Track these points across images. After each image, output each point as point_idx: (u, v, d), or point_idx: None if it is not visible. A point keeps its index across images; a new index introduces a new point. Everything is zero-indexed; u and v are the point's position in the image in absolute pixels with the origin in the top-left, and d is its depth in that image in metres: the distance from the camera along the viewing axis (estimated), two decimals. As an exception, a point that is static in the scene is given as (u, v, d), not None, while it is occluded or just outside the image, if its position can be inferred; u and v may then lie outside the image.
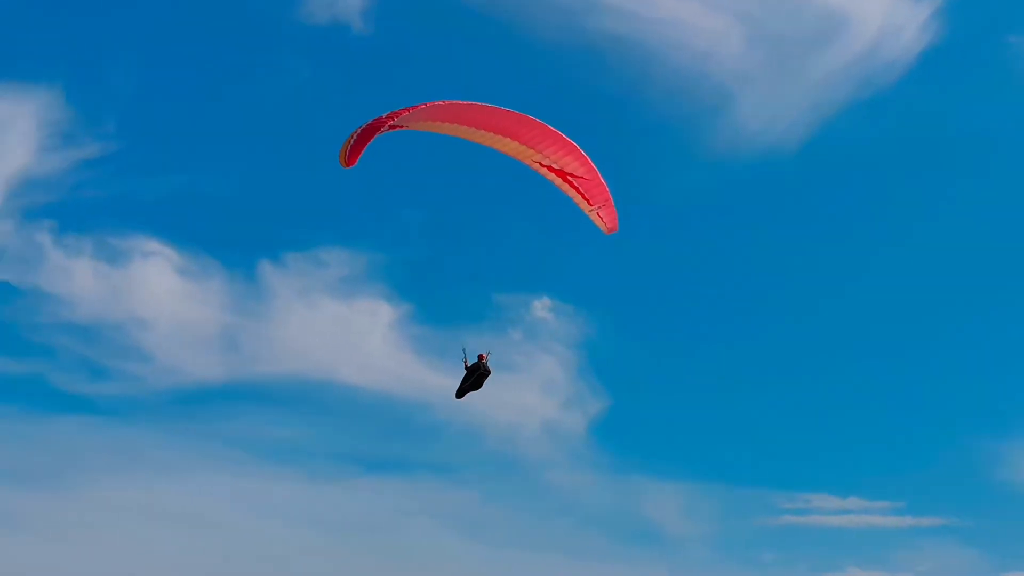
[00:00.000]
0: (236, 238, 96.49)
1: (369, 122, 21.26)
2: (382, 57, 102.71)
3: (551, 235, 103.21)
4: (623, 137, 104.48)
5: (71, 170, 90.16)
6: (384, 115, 21.31)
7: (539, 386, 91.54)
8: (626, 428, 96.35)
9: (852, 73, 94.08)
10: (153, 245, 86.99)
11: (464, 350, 24.74)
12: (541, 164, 22.26)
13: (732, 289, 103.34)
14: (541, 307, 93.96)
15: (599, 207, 22.82)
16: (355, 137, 21.21)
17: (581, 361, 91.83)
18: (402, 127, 21.47)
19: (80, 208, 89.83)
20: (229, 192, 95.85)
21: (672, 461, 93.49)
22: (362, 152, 21.06)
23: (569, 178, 22.08)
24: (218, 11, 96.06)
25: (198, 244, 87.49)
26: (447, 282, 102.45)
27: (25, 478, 79.78)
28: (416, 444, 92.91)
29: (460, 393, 25.92)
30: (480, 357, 24.96)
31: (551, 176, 22.40)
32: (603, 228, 23.54)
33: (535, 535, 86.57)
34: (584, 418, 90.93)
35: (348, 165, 21.20)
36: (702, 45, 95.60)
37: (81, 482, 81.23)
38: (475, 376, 25.38)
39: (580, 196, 22.68)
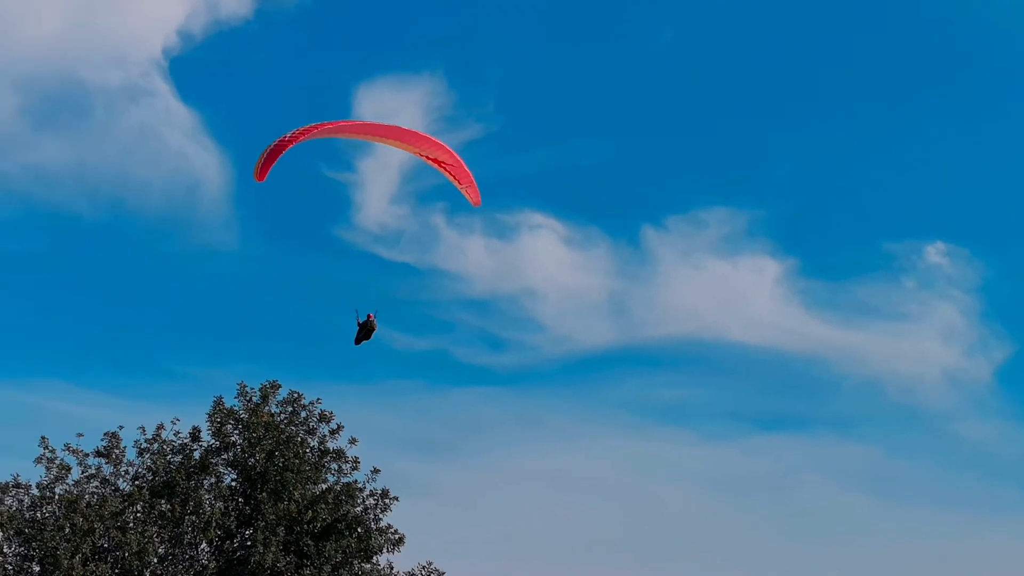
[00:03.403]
0: (617, 205, 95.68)
1: (278, 140, 26.24)
2: (743, 12, 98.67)
3: (939, 177, 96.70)
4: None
5: (457, 151, 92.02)
6: (289, 134, 26.25)
7: (938, 334, 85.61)
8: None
9: None
10: (539, 218, 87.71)
11: (356, 311, 29.47)
12: (421, 155, 28.24)
13: None
14: (934, 252, 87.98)
15: (466, 187, 28.68)
16: (265, 155, 26.15)
17: (981, 306, 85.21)
18: (306, 139, 26.57)
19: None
20: (607, 160, 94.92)
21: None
22: (271, 168, 25.99)
23: (443, 166, 28.22)
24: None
25: (581, 214, 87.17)
26: (832, 233, 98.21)
27: (433, 448, 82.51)
28: (811, 399, 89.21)
29: (357, 342, 29.94)
30: (369, 316, 29.42)
31: (431, 163, 28.43)
32: (471, 201, 29.24)
33: (942, 490, 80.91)
34: (989, 365, 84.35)
35: (259, 180, 26.19)
36: None
37: (484, 450, 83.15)
38: (366, 331, 29.65)
39: (452, 177, 28.59)
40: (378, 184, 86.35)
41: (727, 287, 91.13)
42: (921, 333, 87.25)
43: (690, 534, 77.99)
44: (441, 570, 39.21)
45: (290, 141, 26.05)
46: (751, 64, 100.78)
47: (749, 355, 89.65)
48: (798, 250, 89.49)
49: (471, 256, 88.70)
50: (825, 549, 77.16)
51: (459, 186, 28.72)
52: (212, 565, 37.08)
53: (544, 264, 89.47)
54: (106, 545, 36.47)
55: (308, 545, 37.31)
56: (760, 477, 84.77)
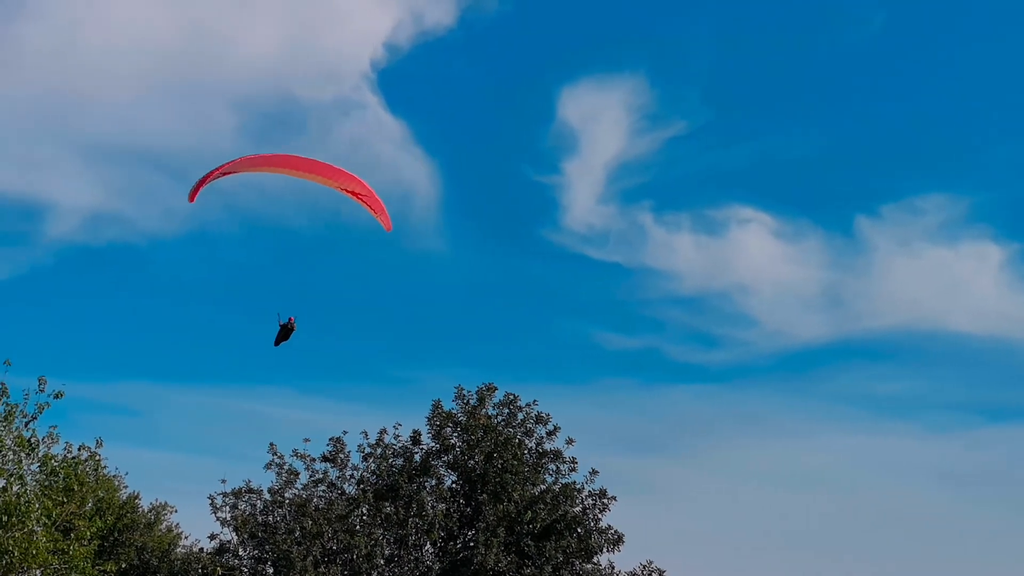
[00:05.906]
0: (829, 196, 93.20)
1: (211, 171, 28.45)
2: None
3: None
4: None
5: (661, 149, 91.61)
6: (222, 165, 28.40)
7: None
8: None
9: None
10: (748, 212, 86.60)
11: (279, 314, 31.05)
12: (340, 188, 30.30)
13: None
14: None
15: (379, 214, 30.85)
16: (198, 183, 28.39)
17: None
18: (232, 173, 28.72)
19: (674, 185, 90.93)
20: (817, 150, 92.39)
21: None
22: (199, 191, 28.16)
23: (359, 197, 30.45)
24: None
25: (791, 206, 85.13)
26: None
27: (649, 446, 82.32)
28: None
29: (276, 343, 31.24)
30: (290, 319, 30.97)
31: (346, 194, 30.55)
32: (384, 227, 31.33)
33: None
34: None
35: (190, 201, 28.56)
36: None
37: (701, 447, 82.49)
38: (285, 331, 30.99)
39: (366, 206, 30.76)
40: (584, 185, 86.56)
41: (947, 275, 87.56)
42: None
43: (918, 528, 75.31)
44: (661, 569, 38.90)
45: (216, 172, 28.55)
46: (965, 45, 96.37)
47: (973, 344, 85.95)
48: (1023, 234, 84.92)
49: (680, 253, 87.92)
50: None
51: (373, 214, 30.97)
52: (436, 566, 37.74)
53: (755, 259, 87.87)
54: (335, 547, 37.59)
55: (529, 545, 37.58)
56: (991, 469, 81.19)
